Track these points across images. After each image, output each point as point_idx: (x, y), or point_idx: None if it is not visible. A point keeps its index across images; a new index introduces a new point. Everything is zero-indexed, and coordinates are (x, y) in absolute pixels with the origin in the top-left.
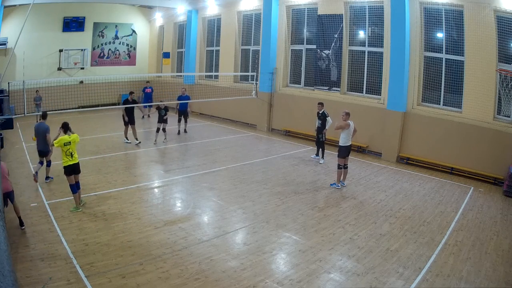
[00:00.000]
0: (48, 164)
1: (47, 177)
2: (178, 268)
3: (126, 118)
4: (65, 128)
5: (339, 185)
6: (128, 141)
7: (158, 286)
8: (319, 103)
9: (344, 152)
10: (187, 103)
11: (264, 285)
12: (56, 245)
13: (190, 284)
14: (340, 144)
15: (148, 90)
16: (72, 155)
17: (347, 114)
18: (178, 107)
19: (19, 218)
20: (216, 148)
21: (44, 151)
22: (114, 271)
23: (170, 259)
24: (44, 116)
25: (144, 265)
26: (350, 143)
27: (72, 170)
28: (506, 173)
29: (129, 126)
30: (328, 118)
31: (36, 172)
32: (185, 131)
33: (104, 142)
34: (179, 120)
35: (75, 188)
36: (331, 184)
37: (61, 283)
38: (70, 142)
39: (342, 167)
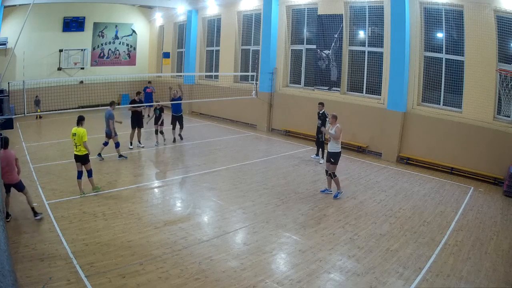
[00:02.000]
0: (117, 145)
1: (120, 155)
2: (178, 268)
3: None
4: (77, 120)
5: (342, 191)
6: (131, 147)
7: (158, 286)
8: (319, 103)
9: (337, 158)
10: (180, 107)
11: (264, 285)
12: (56, 245)
13: (190, 284)
14: (336, 150)
15: (149, 90)
16: (76, 146)
17: (334, 117)
18: (171, 112)
19: (32, 208)
20: (216, 148)
21: (107, 133)
22: (114, 271)
23: (170, 259)
24: (111, 104)
25: (144, 265)
26: (340, 150)
27: (76, 159)
28: (506, 173)
29: (136, 129)
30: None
31: (99, 154)
32: (180, 137)
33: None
34: (174, 127)
35: (79, 174)
36: (334, 196)
37: (61, 283)
38: (75, 134)
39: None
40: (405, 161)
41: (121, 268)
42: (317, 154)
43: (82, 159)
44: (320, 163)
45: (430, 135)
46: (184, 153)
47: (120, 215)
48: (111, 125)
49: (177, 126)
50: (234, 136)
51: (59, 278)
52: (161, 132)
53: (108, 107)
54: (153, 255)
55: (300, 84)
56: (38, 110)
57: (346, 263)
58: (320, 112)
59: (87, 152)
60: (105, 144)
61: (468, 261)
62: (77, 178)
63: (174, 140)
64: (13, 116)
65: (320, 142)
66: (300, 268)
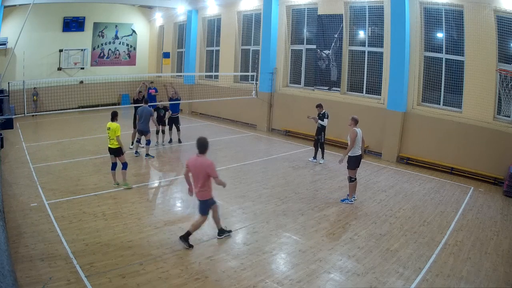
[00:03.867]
0: (148, 142)
1: (147, 155)
2: (178, 268)
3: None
4: (112, 116)
5: (352, 199)
6: (132, 147)
7: (158, 286)
8: (317, 106)
9: (354, 162)
10: (178, 108)
11: (264, 285)
12: (56, 245)
13: (190, 284)
14: (349, 154)
15: (152, 91)
16: (110, 140)
17: (353, 120)
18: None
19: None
20: (216, 148)
21: (144, 131)
22: (114, 271)
23: (170, 259)
24: (146, 101)
25: (144, 265)
26: (360, 153)
27: (110, 151)
28: (506, 173)
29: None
30: (326, 120)
31: (136, 151)
32: (179, 140)
33: (104, 142)
34: (170, 128)
35: (112, 166)
36: (342, 200)
37: (61, 283)
38: (109, 128)
39: (355, 179)
40: (405, 161)
41: (121, 268)
42: (314, 157)
43: (115, 152)
44: (320, 163)
45: (430, 135)
46: (184, 153)
47: (120, 215)
48: (153, 121)
49: (174, 128)
50: (234, 136)
51: (59, 278)
52: (163, 132)
53: (144, 104)
54: (153, 255)
55: (300, 84)
56: (34, 98)
57: (346, 263)
58: (321, 114)
59: (119, 146)
60: (138, 141)
61: (468, 261)
62: (111, 169)
63: (170, 141)
64: (13, 116)
65: (320, 143)
66: (300, 268)
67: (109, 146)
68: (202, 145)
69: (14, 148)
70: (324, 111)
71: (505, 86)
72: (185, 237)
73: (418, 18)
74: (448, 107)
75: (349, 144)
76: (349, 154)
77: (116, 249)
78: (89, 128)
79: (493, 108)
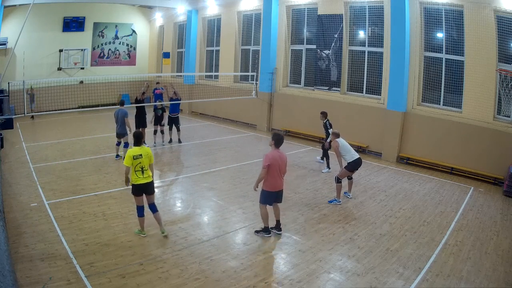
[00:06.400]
0: (126, 145)
1: (117, 155)
2: (178, 268)
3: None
4: (137, 139)
5: (340, 200)
6: (155, 144)
7: (158, 286)
8: (321, 113)
9: (352, 166)
10: (178, 108)
11: (264, 285)
12: (56, 245)
13: (190, 284)
14: (347, 161)
15: (158, 91)
16: (143, 171)
17: (333, 135)
18: (168, 112)
19: (278, 221)
20: (216, 148)
21: (121, 133)
22: (114, 271)
23: (170, 259)
24: (122, 103)
25: (144, 265)
26: (358, 157)
27: (143, 189)
28: (506, 173)
29: (140, 129)
30: (330, 130)
31: (117, 155)
32: (179, 141)
33: (104, 142)
34: (170, 128)
35: (140, 211)
36: (329, 201)
37: (61, 283)
38: (141, 154)
39: (342, 181)
40: (405, 161)
41: (121, 268)
42: (322, 158)
43: (151, 188)
44: (323, 172)
45: (430, 135)
46: (184, 153)
47: (120, 215)
48: (127, 123)
49: (174, 128)
50: (234, 136)
51: (59, 278)
52: (162, 132)
53: (120, 106)
54: (153, 255)
55: (300, 84)
56: (32, 111)
57: (346, 263)
58: (323, 122)
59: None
60: (118, 144)
61: (468, 261)
62: (138, 216)
63: (171, 141)
64: (13, 116)
65: (324, 150)
66: (300, 268)
67: (143, 181)
68: (281, 140)
69: (14, 148)
70: (326, 120)
71: (505, 86)
72: (278, 226)
73: (418, 18)
74: (448, 107)
75: (337, 158)
76: (347, 161)
77: (116, 249)
78: (89, 128)
79: (493, 108)
